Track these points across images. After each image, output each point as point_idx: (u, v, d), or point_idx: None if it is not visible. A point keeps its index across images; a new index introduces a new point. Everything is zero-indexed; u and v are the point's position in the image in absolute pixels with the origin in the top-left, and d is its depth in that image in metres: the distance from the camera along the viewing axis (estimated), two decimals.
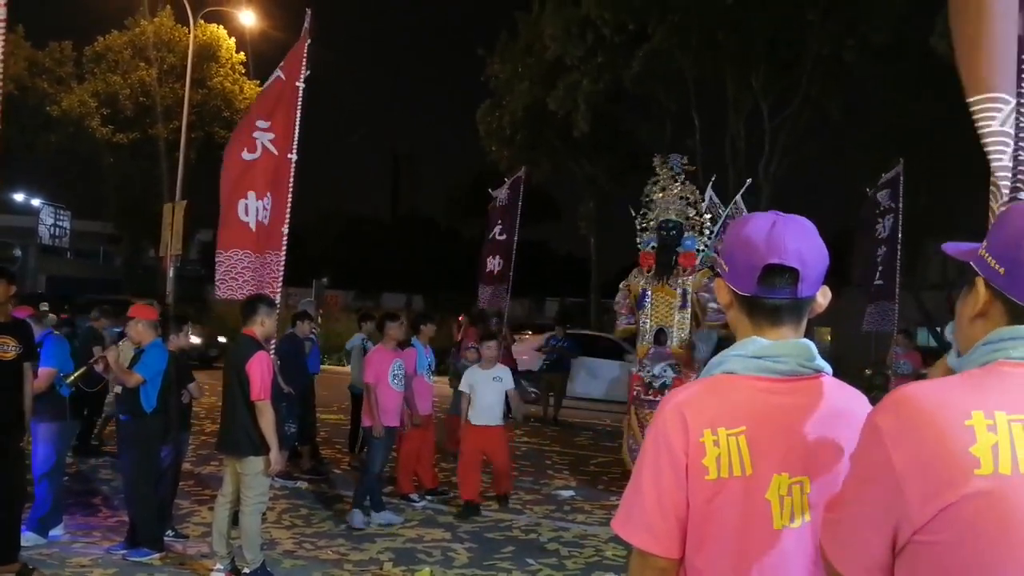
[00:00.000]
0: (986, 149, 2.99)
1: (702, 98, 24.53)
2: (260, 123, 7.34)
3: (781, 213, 1.71)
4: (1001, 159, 2.99)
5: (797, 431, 1.63)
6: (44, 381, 6.01)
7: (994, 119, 2.98)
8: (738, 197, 10.06)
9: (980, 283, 1.35)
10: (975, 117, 3.01)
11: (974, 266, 1.37)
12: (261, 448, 5.50)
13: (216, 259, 7.27)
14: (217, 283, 7.23)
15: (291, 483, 8.47)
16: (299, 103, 7.16)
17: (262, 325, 5.71)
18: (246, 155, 7.31)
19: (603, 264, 32.59)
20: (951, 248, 1.47)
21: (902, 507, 1.16)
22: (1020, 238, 1.29)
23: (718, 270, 1.81)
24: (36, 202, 40.91)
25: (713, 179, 10.18)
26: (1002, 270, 1.30)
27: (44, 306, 8.14)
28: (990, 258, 1.33)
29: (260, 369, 5.49)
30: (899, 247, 11.22)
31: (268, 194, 7.22)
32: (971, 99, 3.01)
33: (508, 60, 26.06)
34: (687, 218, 9.19)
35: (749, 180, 10.51)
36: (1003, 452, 1.13)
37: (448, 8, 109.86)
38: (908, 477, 1.15)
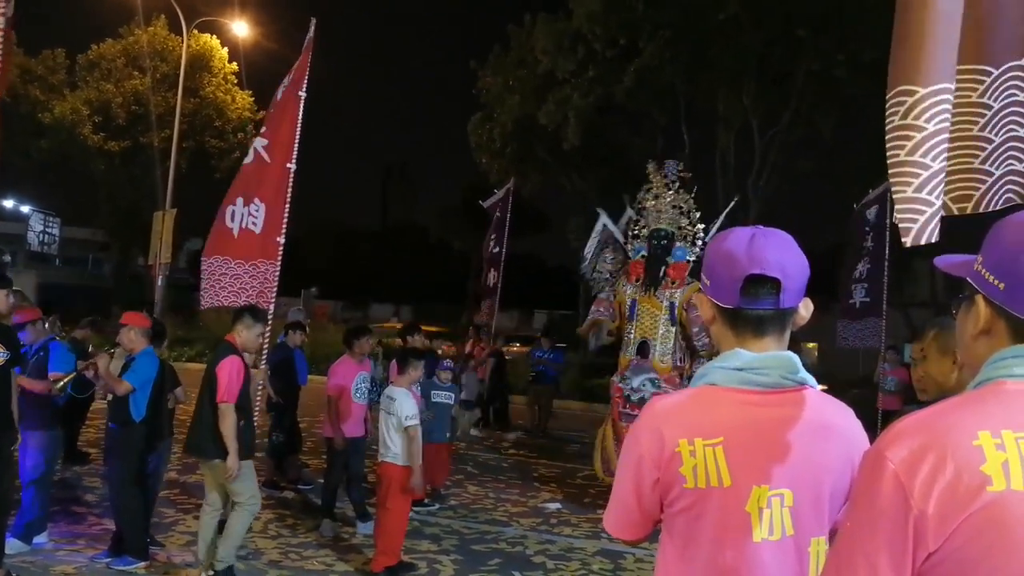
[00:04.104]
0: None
1: (692, 113, 24.65)
2: (260, 129, 7.39)
3: (761, 227, 1.73)
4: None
5: (778, 443, 1.64)
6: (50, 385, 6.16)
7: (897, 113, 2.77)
8: (721, 218, 9.54)
9: (980, 300, 1.32)
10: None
11: (971, 282, 1.34)
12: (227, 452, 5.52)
13: (201, 267, 7.28)
14: (201, 293, 7.23)
15: (276, 493, 8.45)
16: (300, 113, 7.19)
17: (239, 335, 5.77)
18: (244, 160, 7.35)
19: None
20: (942, 261, 1.45)
21: (919, 535, 1.15)
22: (1018, 251, 1.26)
23: (700, 286, 1.83)
24: (25, 209, 40.82)
25: (695, 190, 9.72)
26: (1001, 285, 1.27)
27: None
28: (987, 273, 1.30)
29: (228, 372, 5.53)
30: (887, 263, 11.25)
31: (256, 200, 7.22)
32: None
33: (500, 73, 26.13)
34: (679, 228, 8.97)
35: (736, 198, 10.32)
36: (1014, 469, 1.13)
37: (441, 20, 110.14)
38: (924, 504, 1.14)
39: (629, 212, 9.73)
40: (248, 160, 7.42)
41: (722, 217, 9.41)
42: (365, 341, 7.66)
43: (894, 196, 2.76)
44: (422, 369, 6.71)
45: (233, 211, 7.19)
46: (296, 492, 8.63)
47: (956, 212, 2.90)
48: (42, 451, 6.22)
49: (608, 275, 9.58)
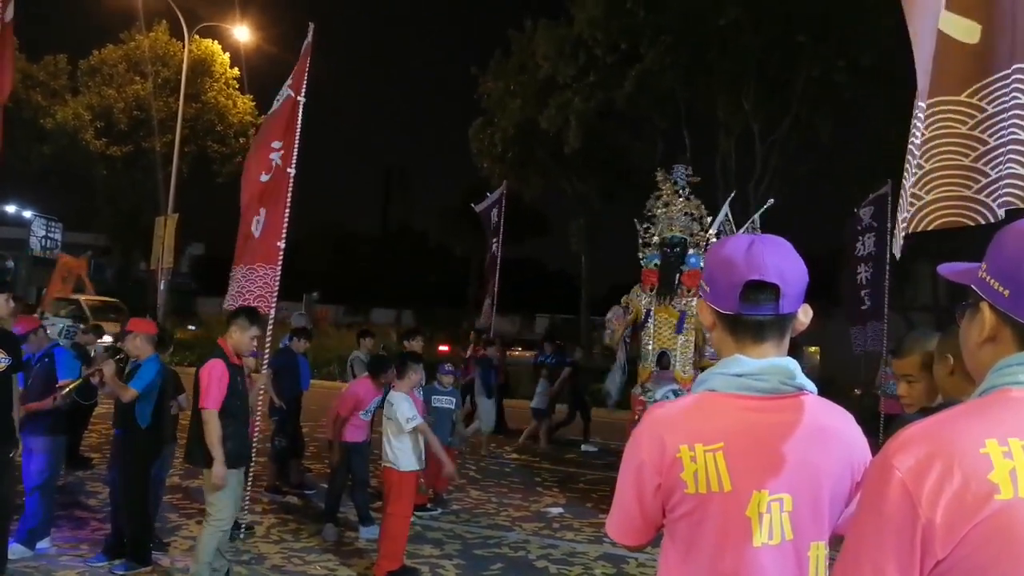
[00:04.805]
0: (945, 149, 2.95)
1: (693, 118, 24.69)
2: (275, 144, 7.40)
3: (759, 233, 1.75)
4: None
5: (777, 448, 1.65)
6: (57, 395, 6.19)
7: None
8: (756, 216, 9.47)
9: (985, 307, 1.32)
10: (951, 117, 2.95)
11: (976, 289, 1.34)
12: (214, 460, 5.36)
13: (230, 274, 7.37)
14: (228, 297, 7.30)
15: (279, 497, 8.46)
16: (299, 118, 7.21)
17: (231, 336, 5.68)
18: (263, 177, 7.38)
19: (593, 281, 32.67)
20: (947, 269, 1.45)
21: (927, 544, 1.15)
22: (1023, 258, 1.26)
23: (700, 292, 1.84)
24: (28, 214, 40.83)
25: (732, 195, 9.76)
26: (1006, 292, 1.27)
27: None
28: (992, 280, 1.30)
29: (207, 376, 5.39)
30: (887, 267, 11.25)
31: (263, 208, 7.29)
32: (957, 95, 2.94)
33: (501, 78, 26.19)
34: (692, 235, 8.85)
35: (771, 200, 10.07)
36: (1022, 477, 1.13)
37: (441, 22, 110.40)
38: (932, 512, 1.14)
39: (725, 208, 9.53)
40: (269, 176, 7.44)
41: (722, 213, 9.31)
42: (391, 373, 7.64)
43: (949, 195, 2.88)
44: (421, 372, 6.71)
45: (257, 221, 7.29)
46: (299, 497, 8.63)
47: (1002, 217, 2.97)
48: (46, 456, 6.24)
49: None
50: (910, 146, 2.94)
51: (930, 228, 2.97)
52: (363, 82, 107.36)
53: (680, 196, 8.97)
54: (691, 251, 8.81)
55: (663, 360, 8.67)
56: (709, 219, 9.00)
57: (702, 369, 8.66)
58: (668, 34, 21.20)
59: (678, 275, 8.74)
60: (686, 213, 8.91)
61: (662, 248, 8.87)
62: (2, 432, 5.31)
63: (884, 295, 11.32)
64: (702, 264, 8.57)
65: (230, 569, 5.69)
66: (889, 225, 11.18)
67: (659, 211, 9.01)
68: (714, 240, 8.85)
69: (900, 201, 3.06)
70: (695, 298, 8.60)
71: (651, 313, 8.85)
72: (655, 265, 8.91)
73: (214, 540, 5.43)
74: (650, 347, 8.81)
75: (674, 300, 8.74)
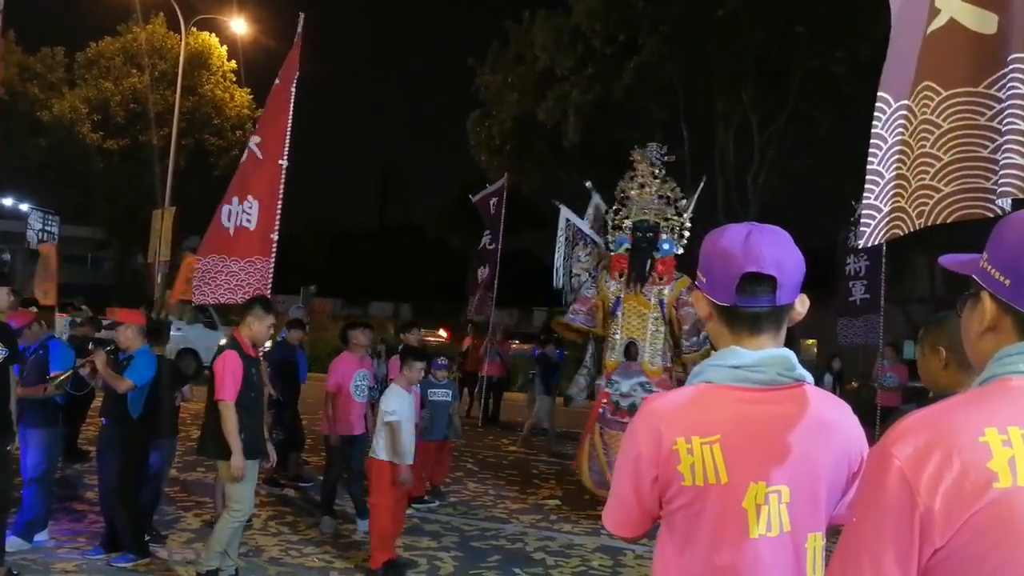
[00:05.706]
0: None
1: (691, 110, 24.61)
2: (255, 137, 7.38)
3: (757, 223, 1.74)
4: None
5: (775, 440, 1.64)
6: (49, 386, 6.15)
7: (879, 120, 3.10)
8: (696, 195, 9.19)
9: (986, 297, 1.32)
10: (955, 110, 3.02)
11: (976, 279, 1.35)
12: (227, 452, 5.33)
13: (196, 265, 7.30)
14: (193, 289, 7.24)
15: (277, 490, 8.47)
16: (290, 109, 7.18)
17: (249, 327, 5.62)
18: (242, 160, 7.36)
19: None
20: (948, 260, 1.45)
21: (925, 532, 1.15)
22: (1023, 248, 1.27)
23: (696, 282, 1.83)
24: (24, 207, 40.81)
25: (704, 181, 9.54)
26: (1007, 282, 1.28)
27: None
28: (993, 270, 1.30)
29: (222, 368, 5.35)
30: (884, 260, 11.25)
31: (250, 197, 7.23)
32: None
33: (498, 70, 26.10)
34: (665, 219, 8.50)
35: (704, 179, 9.75)
36: (1021, 465, 1.13)
37: (440, 21, 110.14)
38: (930, 501, 1.14)
39: (595, 199, 9.42)
40: (244, 159, 7.46)
41: (695, 197, 9.03)
42: (360, 332, 7.63)
43: (970, 187, 2.92)
44: (419, 371, 6.70)
45: (229, 210, 7.21)
46: (296, 489, 8.64)
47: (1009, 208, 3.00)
48: (43, 449, 6.23)
49: (589, 275, 9.05)
50: (873, 139, 3.02)
51: (949, 220, 2.96)
52: (361, 79, 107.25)
53: (656, 177, 8.67)
54: (664, 236, 8.48)
55: (631, 351, 8.33)
56: (683, 202, 8.72)
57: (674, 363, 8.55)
58: (666, 25, 21.14)
59: (650, 261, 8.42)
60: (661, 196, 8.62)
61: (634, 232, 8.54)
62: (0, 424, 5.30)
63: (881, 288, 11.32)
64: (676, 250, 8.42)
65: (238, 569, 5.68)
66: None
67: (633, 192, 8.69)
68: (688, 224, 8.61)
69: (872, 187, 3.07)
70: (667, 285, 8.36)
71: (619, 300, 8.52)
72: (625, 250, 8.58)
73: (230, 530, 5.43)
74: (618, 337, 8.45)
75: (645, 288, 8.42)
